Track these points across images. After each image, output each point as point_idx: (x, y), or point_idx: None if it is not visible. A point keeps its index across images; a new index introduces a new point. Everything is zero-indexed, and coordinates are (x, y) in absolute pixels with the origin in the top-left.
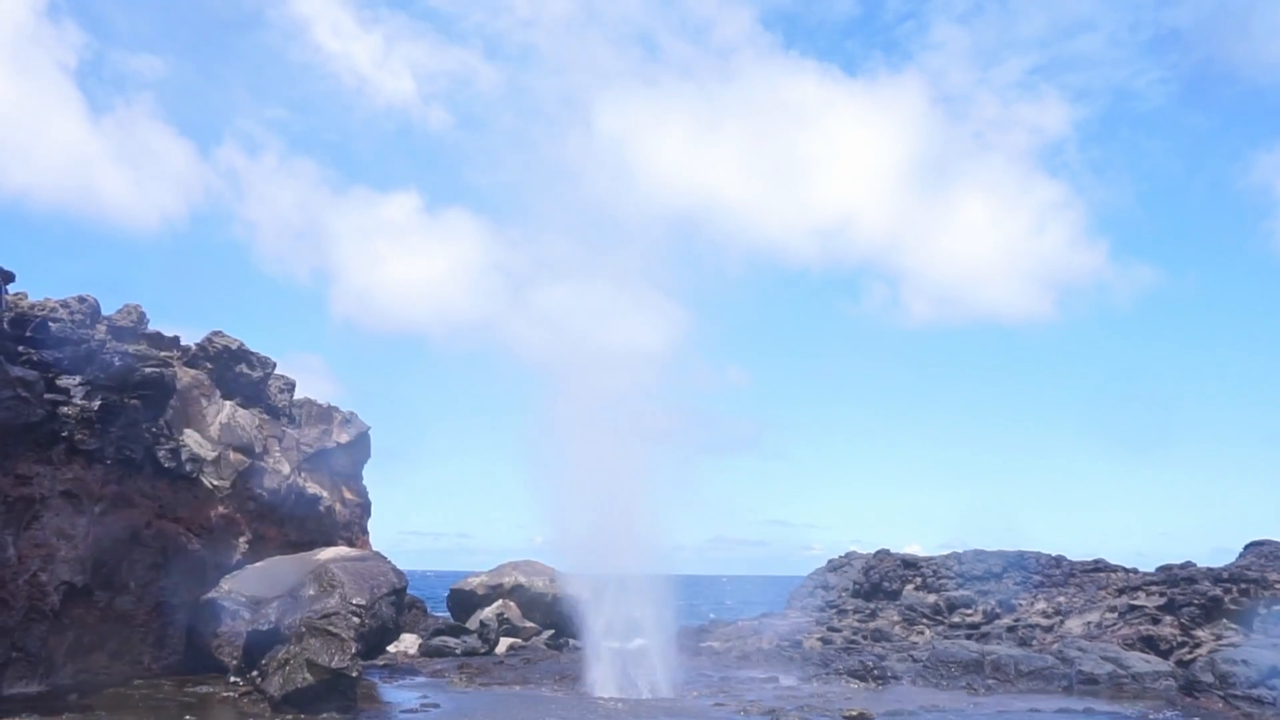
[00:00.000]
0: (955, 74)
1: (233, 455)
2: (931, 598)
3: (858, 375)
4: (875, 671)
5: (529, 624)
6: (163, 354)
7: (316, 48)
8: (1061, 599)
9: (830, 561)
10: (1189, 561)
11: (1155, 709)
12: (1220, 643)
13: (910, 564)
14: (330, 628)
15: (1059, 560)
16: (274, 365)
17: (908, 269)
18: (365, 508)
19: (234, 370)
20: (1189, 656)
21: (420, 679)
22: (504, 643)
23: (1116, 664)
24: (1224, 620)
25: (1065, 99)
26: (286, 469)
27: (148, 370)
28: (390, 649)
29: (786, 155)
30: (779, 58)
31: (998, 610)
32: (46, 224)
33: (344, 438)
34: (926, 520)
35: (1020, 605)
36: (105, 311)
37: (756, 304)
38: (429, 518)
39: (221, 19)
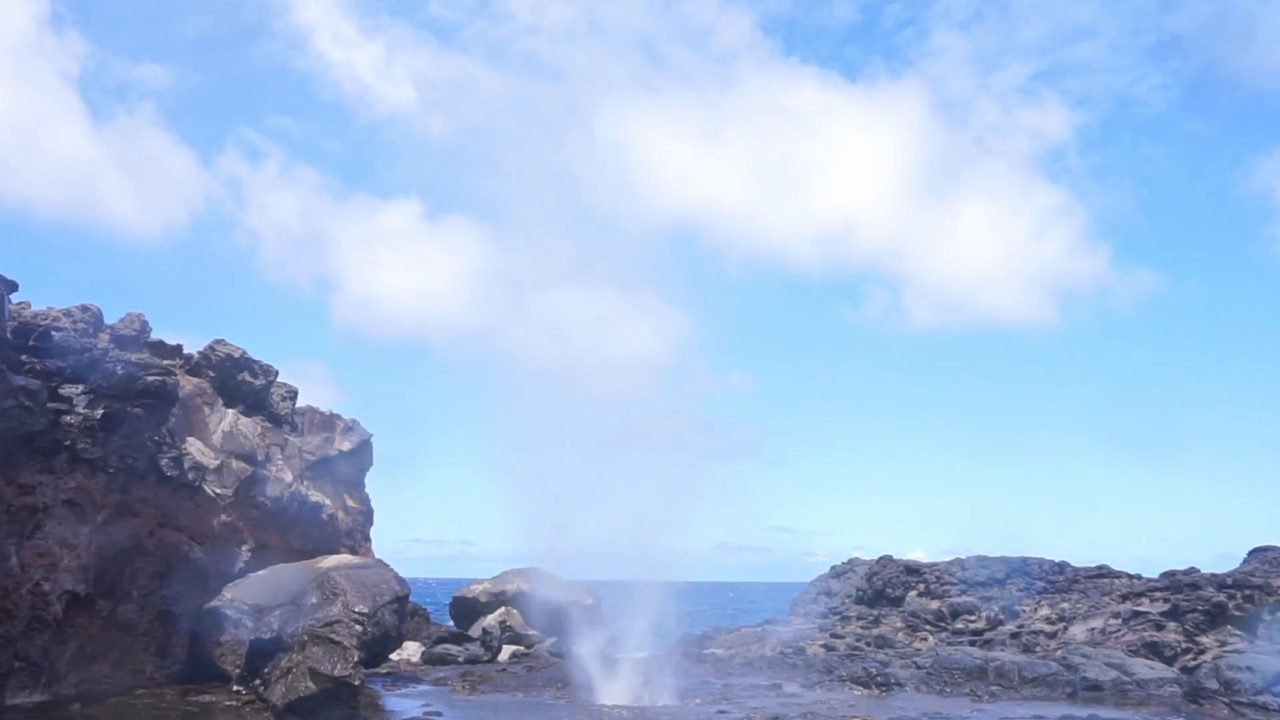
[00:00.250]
0: (956, 80)
1: (235, 463)
2: (935, 604)
3: (860, 381)
4: (878, 678)
5: (532, 631)
6: (165, 362)
7: (318, 56)
8: (1065, 605)
9: (833, 568)
10: (1193, 567)
11: (1160, 716)
12: (1225, 649)
13: (913, 570)
14: (333, 636)
15: (1062, 566)
16: (276, 373)
17: (909, 275)
18: (368, 515)
19: (236, 378)
20: (1194, 663)
21: (423, 687)
22: (507, 650)
23: (1121, 670)
24: (1228, 626)
25: (1066, 105)
26: (289, 477)
27: (150, 379)
28: (393, 657)
29: (787, 161)
30: (779, 64)
31: (1001, 617)
32: (49, 232)
33: (346, 445)
34: (930, 526)
35: (1024, 611)
36: (108, 320)
37: (758, 310)
38: (432, 525)
39: (223, 28)
